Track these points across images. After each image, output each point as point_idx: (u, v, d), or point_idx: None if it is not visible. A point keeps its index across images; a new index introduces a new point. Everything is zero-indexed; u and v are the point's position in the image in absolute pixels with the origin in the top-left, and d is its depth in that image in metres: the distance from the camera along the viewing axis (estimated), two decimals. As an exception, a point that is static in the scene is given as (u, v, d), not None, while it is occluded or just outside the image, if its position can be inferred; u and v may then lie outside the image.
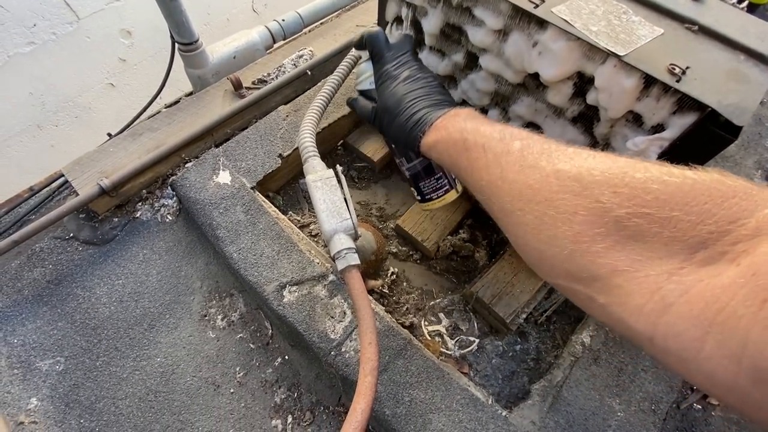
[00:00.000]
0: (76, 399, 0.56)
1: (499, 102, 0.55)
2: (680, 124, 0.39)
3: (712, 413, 0.59)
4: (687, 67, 0.38)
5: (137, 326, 0.61)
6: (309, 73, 0.81)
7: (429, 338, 0.64)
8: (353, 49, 0.56)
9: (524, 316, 0.62)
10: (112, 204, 0.68)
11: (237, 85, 0.77)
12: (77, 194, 0.64)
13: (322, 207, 0.45)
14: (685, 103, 0.38)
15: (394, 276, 0.68)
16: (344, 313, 0.54)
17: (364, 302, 0.41)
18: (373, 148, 0.78)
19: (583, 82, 0.45)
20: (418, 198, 0.55)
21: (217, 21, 1.52)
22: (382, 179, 0.80)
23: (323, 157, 0.51)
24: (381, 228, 0.74)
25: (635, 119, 0.43)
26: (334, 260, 0.43)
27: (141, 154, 0.69)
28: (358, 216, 0.74)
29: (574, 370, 0.51)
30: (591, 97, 0.44)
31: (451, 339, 0.64)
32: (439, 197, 0.54)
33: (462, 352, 0.62)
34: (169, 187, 0.70)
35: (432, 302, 0.67)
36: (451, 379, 0.50)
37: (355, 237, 0.45)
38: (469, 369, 0.61)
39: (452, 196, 0.53)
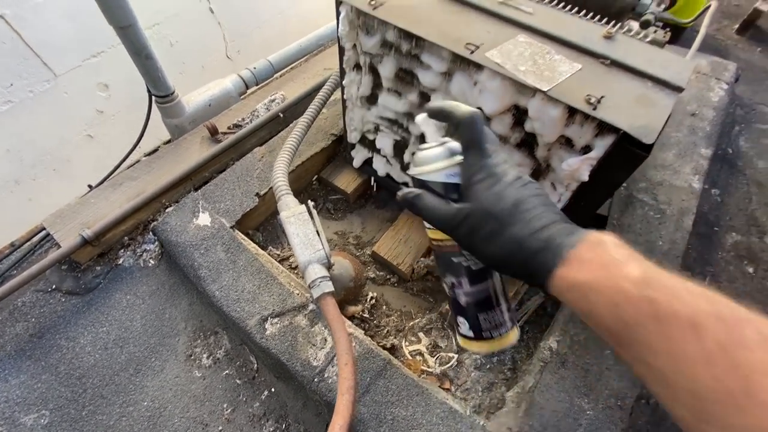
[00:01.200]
0: (62, 451, 0.56)
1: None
2: (602, 145, 0.45)
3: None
4: (602, 96, 0.45)
5: (123, 372, 0.62)
6: (281, 115, 0.86)
7: (410, 358, 0.66)
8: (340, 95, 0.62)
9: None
10: (94, 253, 0.70)
11: (213, 131, 0.81)
12: (59, 246, 0.66)
13: (296, 240, 0.49)
14: (603, 127, 0.44)
15: (374, 300, 0.72)
16: (325, 340, 0.56)
17: (339, 326, 0.44)
18: (346, 181, 0.83)
19: (519, 114, 0.51)
20: (468, 334, 0.37)
21: (192, 69, 1.58)
22: (357, 209, 0.85)
23: (300, 193, 0.56)
24: (358, 255, 0.77)
25: (567, 142, 0.49)
26: (309, 289, 0.47)
27: (122, 202, 0.71)
28: (335, 246, 0.77)
29: (544, 375, 0.55)
30: (528, 126, 0.50)
31: (431, 357, 0.67)
32: (499, 336, 0.35)
33: (442, 368, 0.65)
34: (150, 233, 0.73)
35: (411, 323, 0.70)
36: (431, 395, 0.53)
37: (329, 266, 0.49)
38: (450, 384, 0.64)
39: (513, 337, 0.36)
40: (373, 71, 0.63)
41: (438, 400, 0.52)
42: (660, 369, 0.23)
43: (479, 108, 0.52)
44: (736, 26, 1.33)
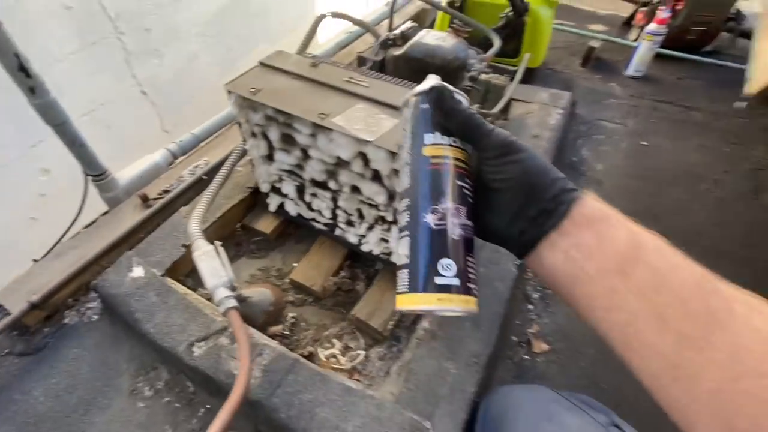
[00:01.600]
0: (19, 490, 0.64)
1: (331, 175, 0.80)
2: (415, 172, 0.65)
3: (537, 360, 0.80)
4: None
5: (73, 414, 0.71)
6: (205, 178, 1.03)
7: (325, 360, 0.80)
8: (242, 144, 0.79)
9: (392, 323, 0.81)
10: (41, 316, 0.80)
11: (144, 199, 0.96)
12: (9, 314, 0.76)
13: (205, 272, 0.64)
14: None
15: (293, 319, 0.86)
16: (244, 351, 0.70)
17: (240, 332, 0.58)
18: (265, 224, 0.99)
19: (365, 157, 0.70)
20: (453, 282, 0.28)
21: (131, 146, 1.72)
22: (278, 246, 1.00)
23: (226, 239, 0.71)
24: (279, 284, 0.92)
25: (397, 172, 0.69)
26: (218, 307, 0.61)
27: (65, 269, 0.83)
28: (258, 280, 0.92)
29: (418, 349, 0.71)
30: (372, 165, 0.70)
31: (343, 357, 0.81)
32: (475, 295, 0.29)
33: (352, 364, 0.79)
34: (92, 291, 0.84)
35: (326, 332, 0.85)
36: (330, 379, 0.67)
37: (233, 288, 0.63)
38: (359, 375, 0.78)
39: (475, 305, 0.29)
40: (265, 137, 0.82)
41: (336, 382, 0.67)
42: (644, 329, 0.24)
43: (338, 156, 0.71)
44: (580, 61, 1.68)
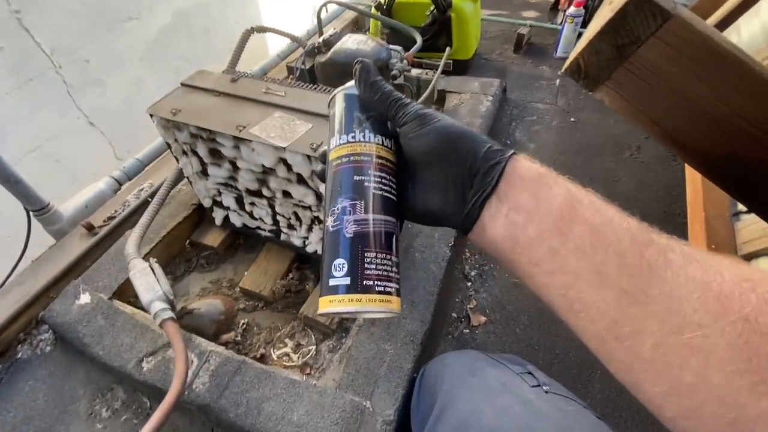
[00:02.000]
0: None
1: (262, 183, 0.84)
2: (330, 171, 0.69)
3: (476, 332, 0.86)
4: (321, 142, 0.69)
5: (31, 444, 0.73)
6: (150, 200, 1.05)
7: (277, 360, 0.84)
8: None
9: (338, 318, 0.86)
10: (-8, 354, 0.81)
11: (89, 227, 0.98)
12: (-44, 355, 0.77)
13: (140, 288, 0.67)
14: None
15: (245, 325, 0.89)
16: (192, 361, 0.73)
17: (176, 340, 0.61)
18: (213, 238, 1.02)
19: (286, 163, 0.74)
20: (343, 282, 0.26)
21: (84, 177, 1.71)
22: (228, 258, 1.03)
23: (174, 257, 0.73)
24: (230, 294, 0.95)
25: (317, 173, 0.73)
26: (154, 320, 0.64)
27: (11, 305, 0.84)
28: (209, 292, 0.95)
29: (359, 335, 0.75)
30: (294, 169, 0.74)
31: (295, 354, 0.85)
32: (384, 293, 0.27)
33: (304, 360, 0.83)
34: (43, 323, 0.86)
35: (278, 333, 0.88)
36: (276, 375, 0.71)
37: (168, 301, 0.67)
38: (310, 369, 0.82)
39: (398, 304, 0.28)
40: (195, 153, 0.85)
41: (282, 377, 0.70)
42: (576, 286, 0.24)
43: (263, 164, 0.75)
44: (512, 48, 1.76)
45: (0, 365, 0.82)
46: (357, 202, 0.28)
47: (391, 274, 0.27)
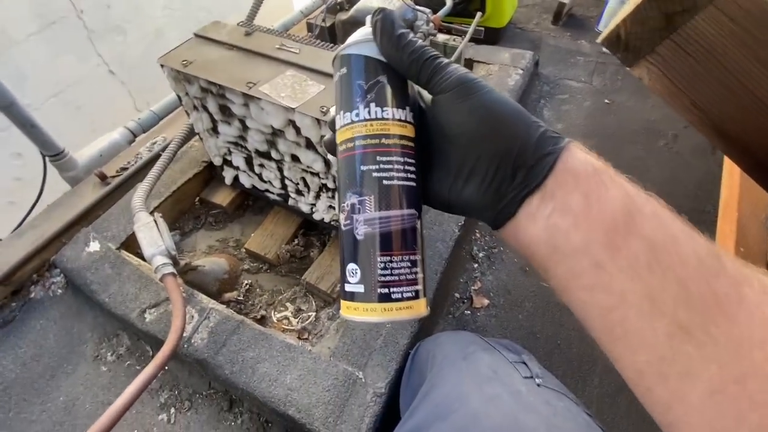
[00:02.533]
0: (-7, 446, 0.70)
1: (271, 145, 0.81)
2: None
3: (478, 314, 0.84)
4: (333, 105, 0.66)
5: (40, 379, 0.77)
6: (162, 154, 1.04)
7: (277, 322, 0.85)
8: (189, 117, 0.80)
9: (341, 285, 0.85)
10: (7, 291, 0.85)
11: (102, 177, 0.98)
12: (-27, 290, 0.80)
13: (144, 242, 0.67)
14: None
15: (248, 286, 0.90)
16: (192, 316, 0.74)
17: (175, 295, 0.62)
18: (222, 197, 1.02)
19: (295, 125, 0.71)
20: (357, 289, 0.24)
21: (103, 126, 1.73)
22: (237, 218, 1.03)
23: (184, 213, 0.73)
24: (236, 254, 0.96)
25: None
26: (155, 273, 0.65)
27: (26, 246, 0.87)
28: (215, 250, 0.95)
29: (357, 308, 0.75)
30: (303, 132, 0.71)
31: (295, 318, 0.85)
32: (404, 299, 0.24)
33: (303, 324, 0.84)
34: (56, 267, 0.88)
35: (280, 297, 0.89)
36: (273, 337, 0.71)
37: (170, 256, 0.67)
38: (309, 335, 0.82)
39: (423, 307, 0.25)
40: (205, 109, 0.83)
41: (278, 340, 0.71)
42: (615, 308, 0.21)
43: (272, 125, 0.73)
44: (551, 18, 1.63)
45: (14, 303, 0.85)
46: (366, 198, 0.24)
47: (411, 276, 0.24)
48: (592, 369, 0.77)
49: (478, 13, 1.06)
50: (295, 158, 0.80)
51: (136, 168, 1.00)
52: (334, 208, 0.87)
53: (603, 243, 0.21)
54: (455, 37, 1.17)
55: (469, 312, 0.84)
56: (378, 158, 0.24)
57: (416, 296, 0.24)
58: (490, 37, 1.41)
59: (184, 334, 0.72)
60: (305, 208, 0.92)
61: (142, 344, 0.81)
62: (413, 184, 0.25)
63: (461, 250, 0.91)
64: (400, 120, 0.25)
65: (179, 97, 0.83)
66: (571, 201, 0.22)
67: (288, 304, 0.88)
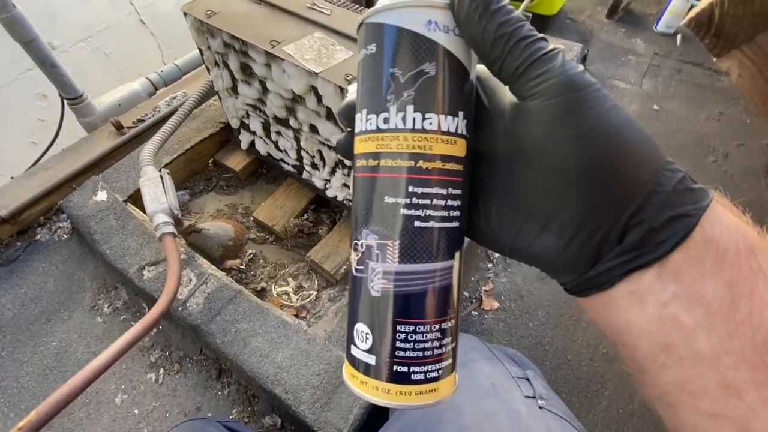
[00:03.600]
0: (-17, 381, 0.70)
1: (290, 112, 0.77)
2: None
3: (485, 316, 0.79)
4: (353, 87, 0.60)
5: (36, 321, 0.77)
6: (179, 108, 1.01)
7: (276, 297, 0.82)
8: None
9: (345, 267, 0.81)
10: (13, 231, 0.84)
11: (118, 126, 0.96)
12: (-20, 225, 0.80)
13: (147, 197, 0.64)
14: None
15: (252, 255, 0.87)
16: (190, 280, 0.72)
17: (172, 255, 0.59)
18: (236, 161, 0.98)
19: (317, 92, 0.66)
20: (368, 360, 0.18)
21: (130, 76, 1.71)
22: (249, 185, 1.00)
23: (196, 173, 0.71)
24: (243, 222, 0.93)
25: (349, 111, 0.65)
26: (155, 231, 0.62)
27: (35, 188, 0.86)
28: (223, 215, 0.93)
29: (360, 294, 0.71)
30: (324, 101, 0.66)
31: (295, 295, 0.82)
32: (429, 380, 0.18)
33: (302, 302, 0.81)
34: (62, 213, 0.87)
35: (282, 271, 0.86)
36: (269, 312, 0.68)
37: (172, 215, 0.64)
38: (307, 313, 0.79)
39: (450, 387, 0.19)
40: (227, 66, 0.78)
41: (274, 315, 0.68)
42: None
43: (292, 90, 0.68)
44: (606, 11, 1.51)
45: (19, 243, 0.85)
46: (388, 242, 0.18)
47: (439, 350, 0.18)
48: (600, 390, 0.72)
49: (529, -6, 0.98)
50: (313, 128, 0.75)
51: (153, 121, 0.98)
52: (348, 186, 0.82)
53: (749, 363, 0.15)
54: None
55: (476, 313, 0.79)
56: (411, 188, 0.17)
57: (444, 374, 0.18)
58: (538, 24, 1.32)
59: (180, 297, 0.70)
60: (319, 183, 0.88)
61: (139, 300, 0.80)
62: (456, 224, 0.18)
63: (476, 247, 0.86)
64: (449, 133, 0.17)
65: (201, 51, 0.78)
66: (706, 290, 0.15)
67: (290, 279, 0.85)
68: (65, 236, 0.87)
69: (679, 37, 1.31)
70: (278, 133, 0.86)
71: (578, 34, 1.42)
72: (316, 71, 0.61)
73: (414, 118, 0.17)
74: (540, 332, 0.77)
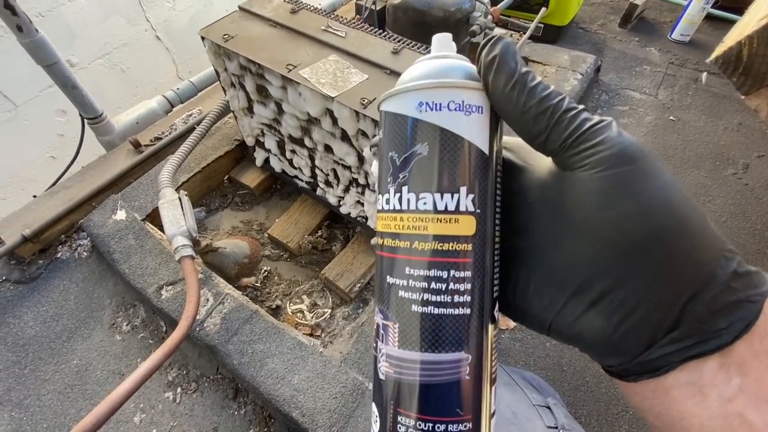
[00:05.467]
0: (7, 399, 0.72)
1: (305, 132, 0.77)
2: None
3: (502, 336, 0.79)
4: (374, 98, 0.61)
5: (57, 339, 0.78)
6: (195, 128, 1.03)
7: (291, 315, 0.82)
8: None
9: (359, 286, 0.81)
10: (35, 249, 0.86)
11: (136, 144, 0.98)
12: (4, 243, 0.82)
13: (166, 220, 0.65)
14: (377, 122, 0.60)
15: (267, 273, 0.88)
16: (207, 300, 0.72)
17: (191, 278, 0.60)
18: (251, 178, 0.99)
19: (332, 115, 0.67)
20: None
21: (146, 91, 1.75)
22: (263, 201, 1.01)
23: (212, 190, 0.72)
24: (258, 238, 0.93)
25: (364, 134, 0.65)
26: (174, 254, 0.63)
27: (57, 207, 0.88)
28: (239, 232, 0.94)
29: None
30: (340, 123, 0.67)
31: (309, 313, 0.83)
32: None
33: (317, 321, 0.81)
34: (83, 231, 0.89)
35: (297, 288, 0.86)
36: (285, 333, 0.69)
37: (191, 238, 0.65)
38: (321, 332, 0.80)
39: None
40: (243, 87, 0.79)
41: (290, 336, 0.68)
42: None
43: (308, 112, 0.69)
44: (619, 20, 1.50)
45: (41, 261, 0.87)
46: (390, 323, 0.17)
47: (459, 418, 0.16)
48: (621, 414, 0.70)
49: (543, 9, 0.97)
50: (328, 149, 0.76)
51: (170, 139, 0.99)
52: (362, 204, 0.83)
53: None
54: (513, 32, 1.09)
55: (492, 332, 0.79)
56: (408, 270, 0.17)
57: None
58: (550, 35, 1.31)
59: (198, 317, 0.70)
60: (333, 200, 0.89)
61: (157, 319, 0.81)
62: (464, 312, 0.16)
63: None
64: (447, 212, 0.17)
65: (217, 73, 0.80)
66: None
67: (304, 297, 0.85)
68: (85, 254, 0.88)
69: (704, 75, 1.29)
70: (293, 151, 0.87)
71: (591, 44, 1.40)
72: (332, 95, 0.61)
73: (408, 199, 0.17)
74: (558, 352, 0.76)
